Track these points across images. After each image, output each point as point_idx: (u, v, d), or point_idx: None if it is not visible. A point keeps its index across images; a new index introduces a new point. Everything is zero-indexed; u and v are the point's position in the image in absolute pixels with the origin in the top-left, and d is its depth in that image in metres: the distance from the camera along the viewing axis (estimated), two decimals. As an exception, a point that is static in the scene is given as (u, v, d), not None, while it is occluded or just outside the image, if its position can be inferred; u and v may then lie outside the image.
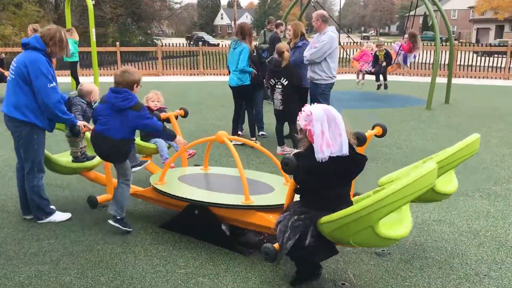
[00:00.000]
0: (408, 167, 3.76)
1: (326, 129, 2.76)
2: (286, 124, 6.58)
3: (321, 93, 6.37)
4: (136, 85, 3.79)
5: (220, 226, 3.73)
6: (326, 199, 2.84)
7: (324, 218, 2.74)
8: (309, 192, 2.90)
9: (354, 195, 3.81)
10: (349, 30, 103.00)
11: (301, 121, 2.86)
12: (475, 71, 17.92)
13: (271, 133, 7.13)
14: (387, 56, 11.17)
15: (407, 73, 18.28)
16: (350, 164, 2.85)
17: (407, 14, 14.62)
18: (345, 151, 2.77)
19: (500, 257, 3.52)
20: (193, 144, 4.40)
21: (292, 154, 2.93)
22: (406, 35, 10.87)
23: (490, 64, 17.82)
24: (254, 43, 7.73)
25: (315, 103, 6.68)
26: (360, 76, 12.09)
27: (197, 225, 3.78)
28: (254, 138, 7.01)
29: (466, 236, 3.87)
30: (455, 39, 49.06)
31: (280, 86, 6.20)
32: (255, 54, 7.18)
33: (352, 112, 9.69)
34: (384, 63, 11.19)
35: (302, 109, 2.89)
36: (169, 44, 21.35)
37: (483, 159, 6.16)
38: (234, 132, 7.22)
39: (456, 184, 3.60)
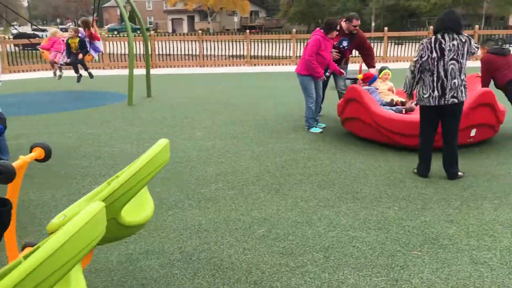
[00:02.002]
0: (84, 200, 2.80)
1: None
2: None
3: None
4: None
5: None
6: None
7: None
8: None
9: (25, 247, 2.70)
10: (44, 22, 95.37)
11: None
12: (173, 60, 18.34)
13: None
14: (82, 45, 9.89)
15: (108, 66, 17.37)
16: None
17: (103, 5, 13.63)
18: None
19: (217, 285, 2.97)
20: None
21: None
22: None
23: (186, 52, 18.53)
24: None
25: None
26: (57, 71, 10.39)
27: None
28: None
29: (178, 268, 3.21)
30: (153, 30, 50.36)
31: None
32: None
33: (42, 119, 8.21)
34: (81, 55, 9.89)
35: None
36: None
37: (189, 157, 5.77)
38: None
39: (152, 206, 2.82)
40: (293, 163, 5.55)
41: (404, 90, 5.05)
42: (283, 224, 3.85)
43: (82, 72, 10.58)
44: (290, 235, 3.65)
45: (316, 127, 7.07)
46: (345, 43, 7.29)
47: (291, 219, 3.95)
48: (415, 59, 4.81)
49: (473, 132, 5.84)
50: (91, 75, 10.65)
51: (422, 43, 4.80)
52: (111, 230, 2.25)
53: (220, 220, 3.96)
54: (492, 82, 6.38)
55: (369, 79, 7.20)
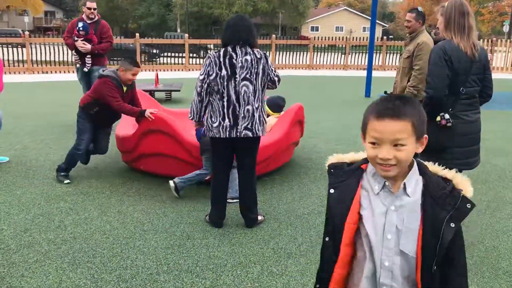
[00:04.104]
0: None
1: None
2: None
3: None
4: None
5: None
6: None
7: None
8: None
9: None
10: None
11: None
12: None
13: None
14: None
15: None
16: None
17: None
18: None
19: None
20: None
21: None
22: None
23: None
24: None
25: None
26: None
27: None
28: None
29: None
30: None
31: None
32: None
33: None
34: None
35: None
36: None
37: None
38: None
39: None
40: (43, 221, 3.95)
41: (191, 118, 3.87)
42: None
43: None
44: None
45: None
46: (80, 24, 7.01)
47: None
48: (201, 77, 3.68)
49: None
50: None
51: (209, 57, 3.69)
52: None
53: None
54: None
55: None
